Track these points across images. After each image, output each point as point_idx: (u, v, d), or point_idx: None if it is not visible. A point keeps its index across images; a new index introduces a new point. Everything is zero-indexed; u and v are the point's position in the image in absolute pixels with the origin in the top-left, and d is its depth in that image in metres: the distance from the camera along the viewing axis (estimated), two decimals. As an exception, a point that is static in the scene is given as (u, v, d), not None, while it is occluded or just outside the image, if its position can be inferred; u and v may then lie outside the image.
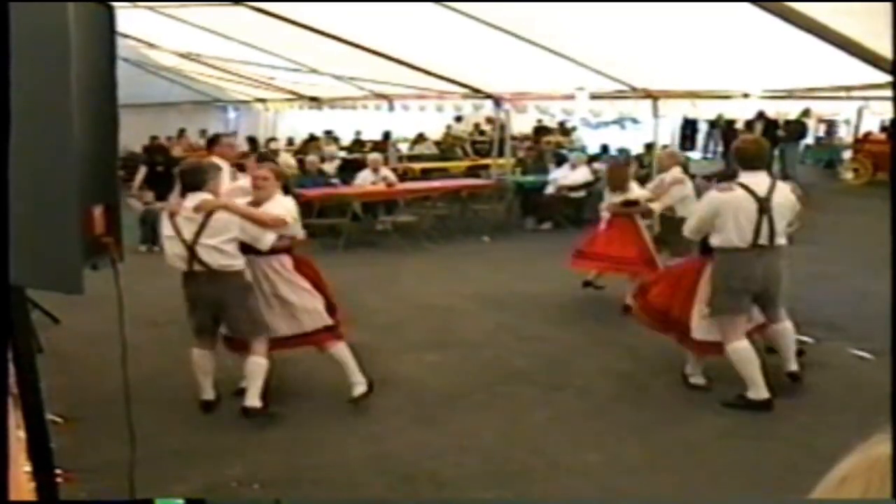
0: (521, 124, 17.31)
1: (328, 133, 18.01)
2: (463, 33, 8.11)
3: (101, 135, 2.06)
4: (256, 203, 4.96)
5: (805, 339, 6.03)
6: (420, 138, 18.15)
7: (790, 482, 3.98)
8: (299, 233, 5.27)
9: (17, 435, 2.02)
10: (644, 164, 12.62)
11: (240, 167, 7.07)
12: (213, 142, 6.91)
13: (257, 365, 4.87)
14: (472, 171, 14.22)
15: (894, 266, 4.83)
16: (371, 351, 5.69)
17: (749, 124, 16.72)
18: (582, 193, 11.84)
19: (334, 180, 11.77)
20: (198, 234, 4.71)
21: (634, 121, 21.55)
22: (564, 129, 20.88)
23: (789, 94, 8.07)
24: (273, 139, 15.34)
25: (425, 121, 17.46)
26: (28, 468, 2.06)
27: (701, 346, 5.27)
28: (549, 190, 12.03)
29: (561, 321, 7.10)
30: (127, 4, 9.04)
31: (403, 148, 17.35)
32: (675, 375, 5.62)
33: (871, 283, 5.84)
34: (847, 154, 18.34)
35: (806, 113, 14.75)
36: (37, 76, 1.77)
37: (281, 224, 4.86)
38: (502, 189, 12.46)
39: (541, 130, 19.03)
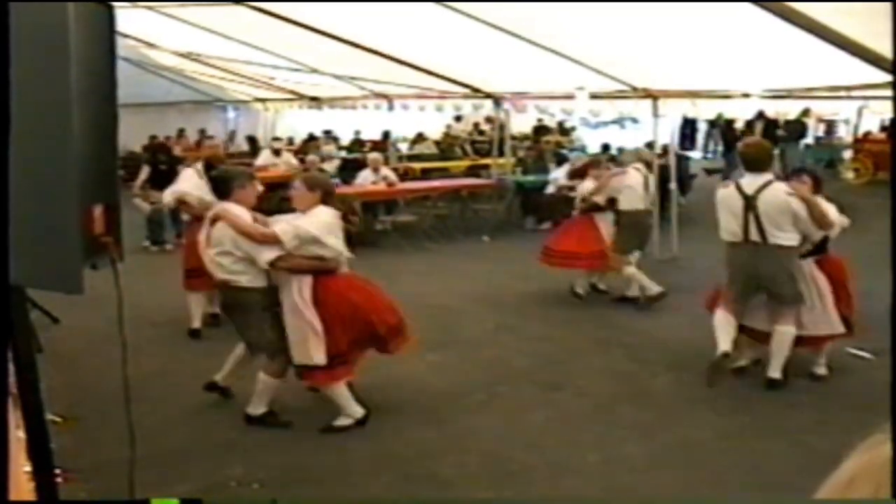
0: (521, 124, 17.32)
1: (327, 133, 18.01)
2: (463, 33, 8.11)
3: (101, 135, 2.06)
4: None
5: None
6: (420, 138, 18.15)
7: (790, 482, 3.99)
8: (332, 252, 4.65)
9: (17, 435, 2.01)
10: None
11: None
12: (199, 142, 6.99)
13: (264, 384, 4.75)
14: (472, 171, 14.22)
15: (894, 266, 4.85)
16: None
17: (749, 124, 16.75)
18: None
19: (335, 180, 11.77)
20: (206, 244, 4.65)
21: (634, 120, 21.56)
22: (564, 129, 20.88)
23: (789, 94, 8.07)
24: (277, 139, 15.36)
25: (425, 121, 17.46)
26: (28, 468, 2.06)
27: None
28: (549, 190, 12.02)
29: (561, 321, 7.10)
30: (127, 4, 9.04)
31: (403, 148, 17.35)
32: (675, 375, 5.63)
33: (871, 282, 5.83)
34: (847, 154, 18.34)
35: (806, 113, 14.80)
36: (37, 76, 1.77)
37: (271, 241, 4.47)
38: (502, 189, 12.45)
39: (541, 130, 19.04)
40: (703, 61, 7.50)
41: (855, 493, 0.77)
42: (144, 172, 11.08)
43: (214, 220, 4.61)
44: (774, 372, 5.35)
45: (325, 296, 4.60)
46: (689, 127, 21.86)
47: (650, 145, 10.67)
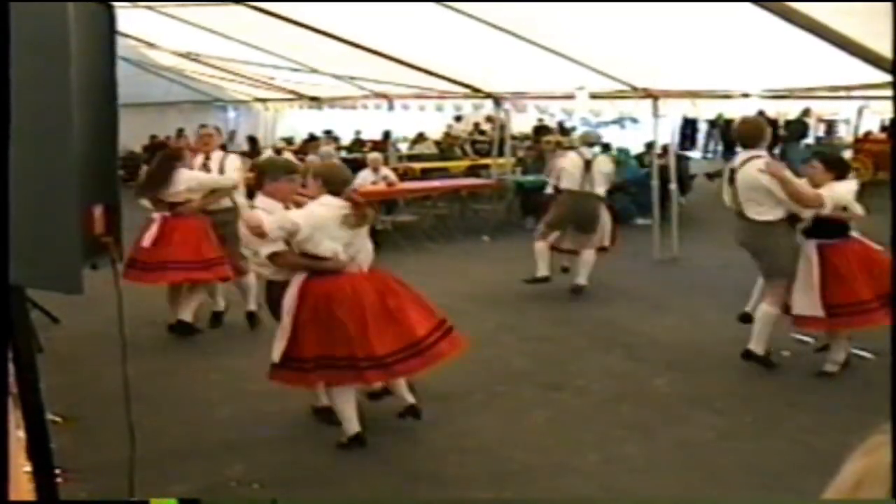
0: (521, 124, 17.30)
1: (328, 133, 18.00)
2: (463, 33, 8.11)
3: (101, 135, 2.07)
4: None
5: (805, 338, 6.04)
6: (420, 138, 18.14)
7: (790, 482, 3.99)
8: (326, 250, 4.31)
9: (17, 435, 2.02)
10: (644, 164, 12.64)
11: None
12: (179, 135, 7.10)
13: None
14: (472, 171, 14.21)
15: (894, 265, 4.85)
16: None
17: (748, 124, 16.71)
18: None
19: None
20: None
21: (634, 120, 21.56)
22: (564, 129, 20.87)
23: (789, 94, 8.07)
24: (288, 139, 15.40)
25: (425, 121, 17.45)
26: (28, 468, 2.06)
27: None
28: (549, 190, 12.02)
29: (561, 321, 7.10)
30: (127, 4, 9.04)
31: (403, 148, 17.34)
32: (675, 375, 5.63)
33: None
34: (847, 154, 18.34)
35: (806, 113, 14.81)
36: (37, 76, 1.77)
37: (255, 231, 4.21)
38: (502, 189, 12.45)
39: (541, 130, 19.02)
40: (703, 61, 7.50)
41: (862, 495, 0.77)
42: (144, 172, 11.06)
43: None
44: (753, 345, 5.61)
45: (305, 297, 4.30)
46: (689, 127, 21.87)
47: (650, 145, 10.68)
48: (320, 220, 4.28)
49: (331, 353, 4.23)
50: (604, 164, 8.10)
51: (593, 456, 4.42)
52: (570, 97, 9.62)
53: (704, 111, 10.53)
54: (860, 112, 15.82)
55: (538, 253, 7.95)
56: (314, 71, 11.92)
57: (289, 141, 17.75)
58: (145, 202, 6.54)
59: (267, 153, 14.11)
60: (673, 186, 9.77)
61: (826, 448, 4.26)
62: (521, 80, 10.31)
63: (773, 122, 16.10)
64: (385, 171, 11.36)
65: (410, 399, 4.67)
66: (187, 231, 6.35)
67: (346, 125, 18.36)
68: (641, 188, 11.14)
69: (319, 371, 4.30)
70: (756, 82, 7.90)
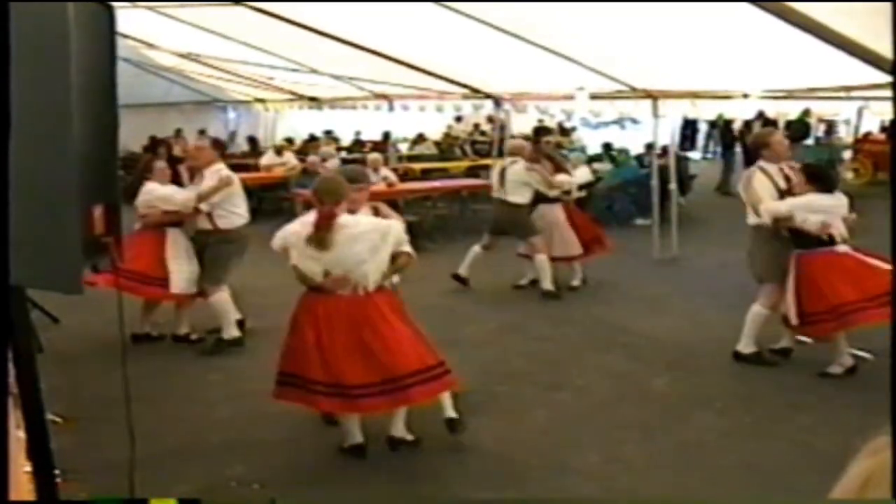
0: (522, 124, 17.30)
1: (328, 133, 18.00)
2: (463, 33, 8.11)
3: (101, 135, 2.07)
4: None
5: (804, 338, 6.03)
6: (420, 138, 18.14)
7: (790, 482, 3.99)
8: (307, 270, 4.17)
9: (17, 435, 2.02)
10: (644, 164, 12.64)
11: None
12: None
13: None
14: (471, 172, 14.21)
15: (894, 265, 4.85)
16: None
17: (749, 124, 16.72)
18: (582, 193, 11.83)
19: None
20: None
21: (634, 121, 21.58)
22: (564, 130, 20.87)
23: (789, 94, 8.07)
24: (289, 139, 15.40)
25: (425, 121, 17.44)
26: (28, 468, 2.06)
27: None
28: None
29: (561, 321, 7.10)
30: (127, 4, 9.04)
31: (403, 148, 17.34)
32: (675, 375, 5.63)
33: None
34: (847, 154, 18.35)
35: (806, 113, 14.78)
36: (37, 76, 1.77)
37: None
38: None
39: (541, 130, 18.99)
40: (703, 61, 7.50)
41: (869, 495, 0.76)
42: (146, 172, 11.04)
43: None
44: (740, 345, 5.77)
45: (294, 312, 4.30)
46: (689, 127, 21.87)
47: (650, 146, 10.68)
48: (291, 237, 4.22)
49: (290, 369, 4.23)
50: (518, 174, 7.90)
51: (593, 456, 4.42)
52: (570, 97, 9.63)
53: (704, 111, 10.51)
54: (860, 112, 15.81)
55: (468, 254, 8.23)
56: (314, 71, 11.92)
57: (289, 141, 17.74)
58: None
59: (268, 154, 14.13)
60: (673, 187, 9.77)
61: (826, 448, 4.26)
62: (520, 81, 10.31)
63: (773, 123, 16.14)
64: (385, 171, 11.36)
65: (451, 413, 4.57)
66: (142, 244, 6.11)
67: (346, 126, 18.36)
68: (641, 188, 11.15)
69: (279, 386, 4.29)
70: (756, 83, 7.90)
